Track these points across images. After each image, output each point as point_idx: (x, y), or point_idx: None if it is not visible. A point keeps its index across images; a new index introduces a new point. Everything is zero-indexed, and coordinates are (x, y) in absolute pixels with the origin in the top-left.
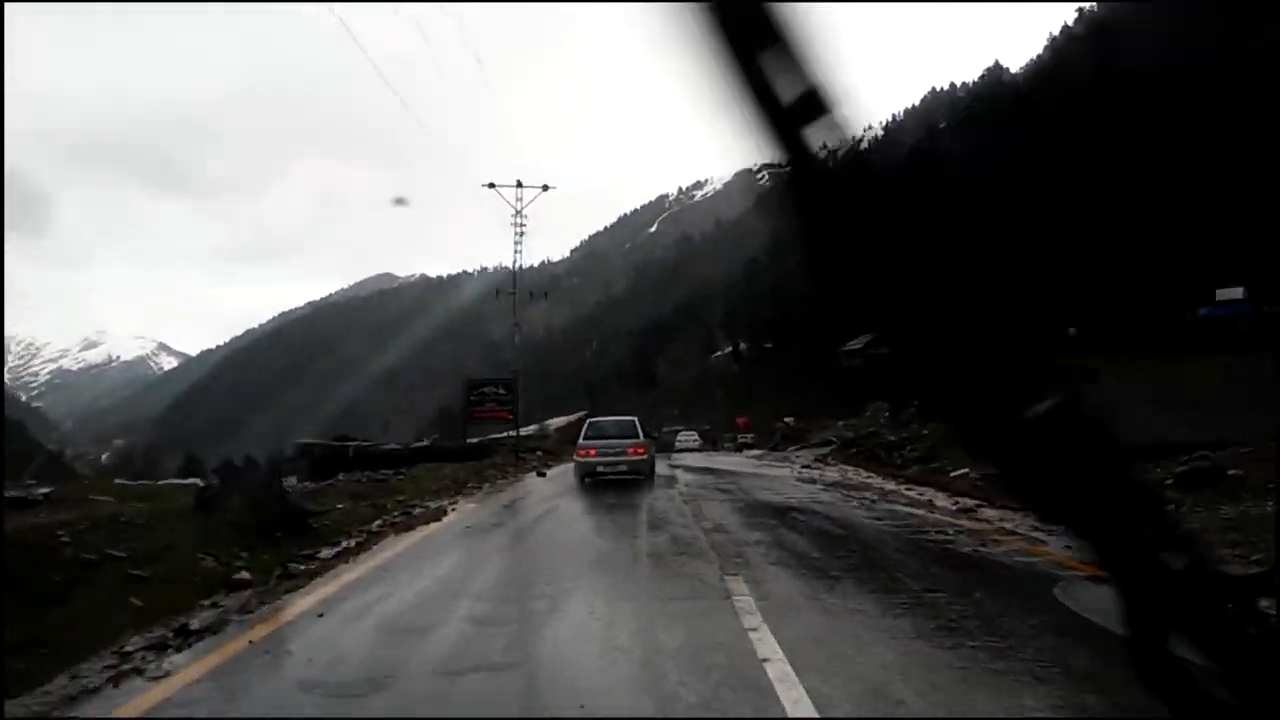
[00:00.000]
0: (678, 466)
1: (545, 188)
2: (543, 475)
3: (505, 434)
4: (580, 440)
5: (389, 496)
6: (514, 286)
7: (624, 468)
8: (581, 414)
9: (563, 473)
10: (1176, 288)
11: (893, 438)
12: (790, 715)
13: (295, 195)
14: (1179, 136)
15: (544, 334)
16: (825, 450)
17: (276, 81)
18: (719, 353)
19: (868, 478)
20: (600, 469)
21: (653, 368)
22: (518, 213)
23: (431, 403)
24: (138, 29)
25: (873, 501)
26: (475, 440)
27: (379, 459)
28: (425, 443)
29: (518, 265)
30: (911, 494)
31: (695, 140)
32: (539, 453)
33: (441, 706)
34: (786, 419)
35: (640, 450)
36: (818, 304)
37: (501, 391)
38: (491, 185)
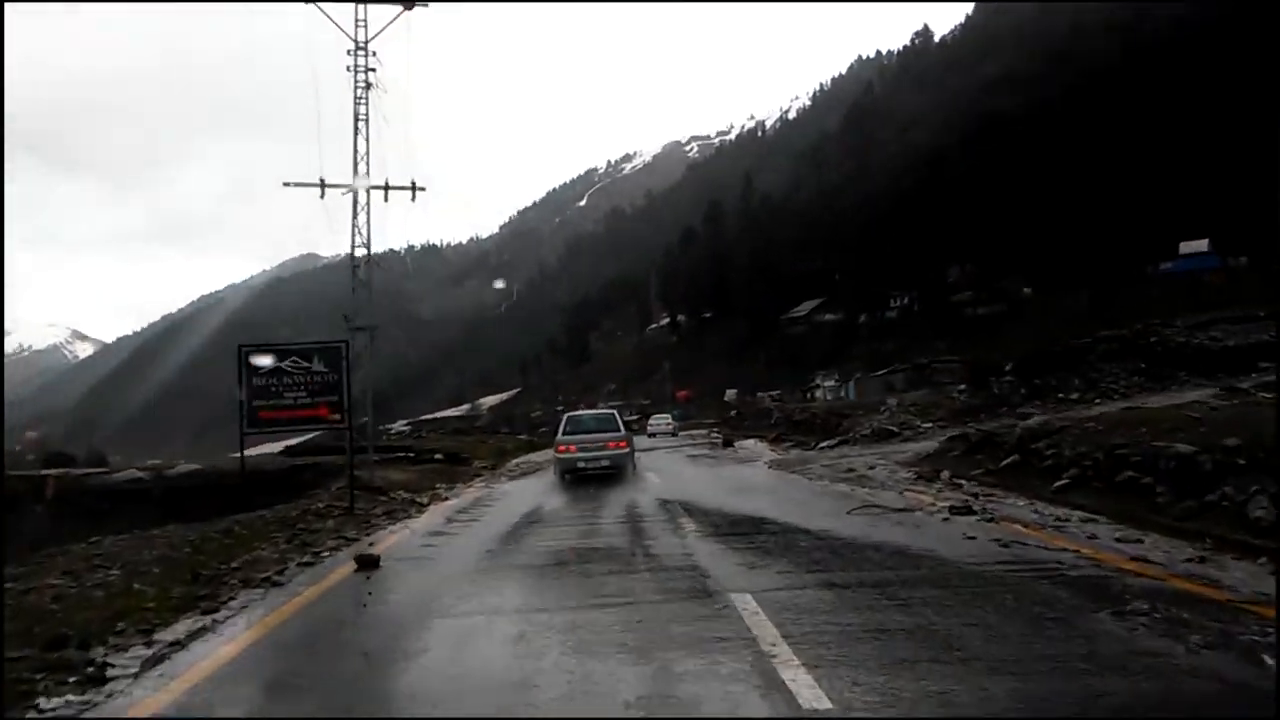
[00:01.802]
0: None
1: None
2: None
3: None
4: (559, 436)
5: None
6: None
7: (605, 462)
8: (516, 390)
9: (492, 516)
10: (1133, 241)
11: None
12: None
13: (211, 176)
14: (1127, 84)
15: (474, 311)
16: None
17: (187, 57)
18: (655, 324)
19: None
20: (581, 464)
21: (586, 342)
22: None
23: (361, 383)
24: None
25: None
26: (295, 455)
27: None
28: (192, 468)
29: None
30: None
31: (623, 112)
32: (431, 485)
33: None
34: (730, 392)
35: (622, 444)
36: (759, 271)
37: (316, 369)
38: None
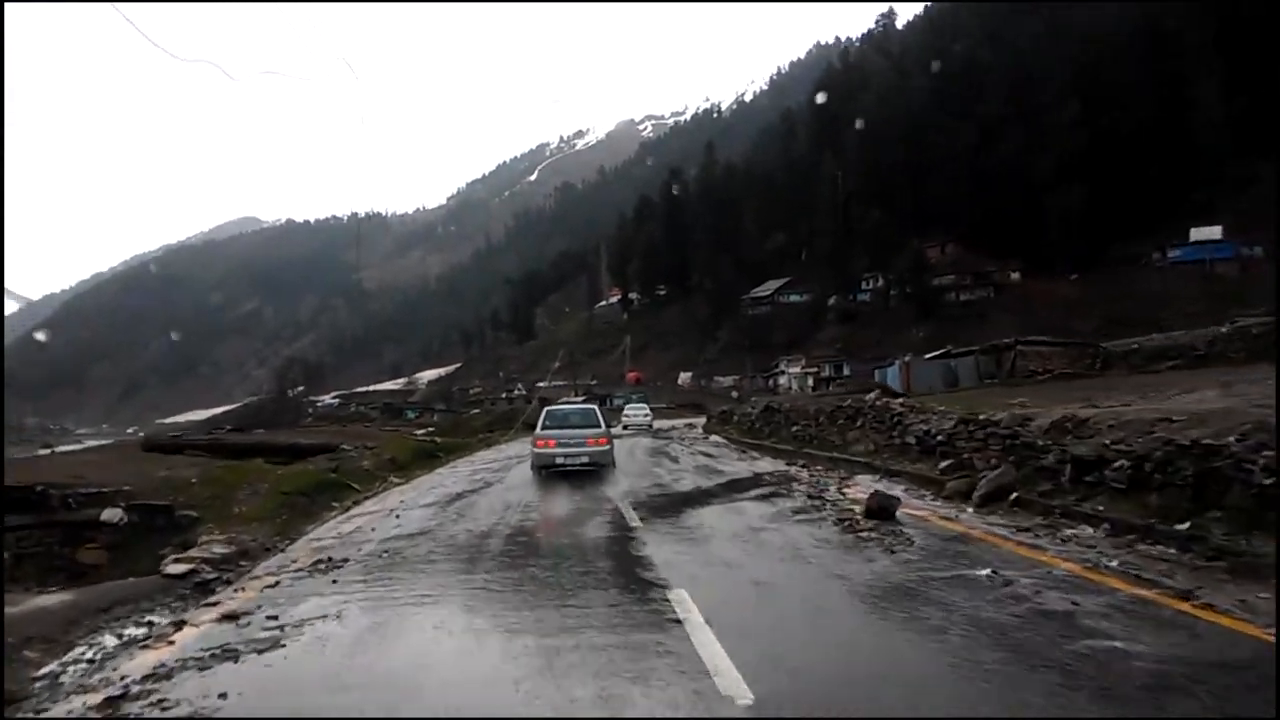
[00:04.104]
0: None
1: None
2: None
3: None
4: (538, 430)
5: None
6: None
7: (585, 459)
8: (456, 365)
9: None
10: (1139, 224)
11: None
12: None
13: (150, 132)
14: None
15: (418, 283)
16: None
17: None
18: (605, 301)
19: None
20: (560, 460)
21: (532, 318)
22: None
23: (297, 352)
24: None
25: None
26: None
27: None
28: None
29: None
30: None
31: (576, 89)
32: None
33: None
34: (684, 375)
35: (602, 441)
36: (720, 247)
37: None
38: None
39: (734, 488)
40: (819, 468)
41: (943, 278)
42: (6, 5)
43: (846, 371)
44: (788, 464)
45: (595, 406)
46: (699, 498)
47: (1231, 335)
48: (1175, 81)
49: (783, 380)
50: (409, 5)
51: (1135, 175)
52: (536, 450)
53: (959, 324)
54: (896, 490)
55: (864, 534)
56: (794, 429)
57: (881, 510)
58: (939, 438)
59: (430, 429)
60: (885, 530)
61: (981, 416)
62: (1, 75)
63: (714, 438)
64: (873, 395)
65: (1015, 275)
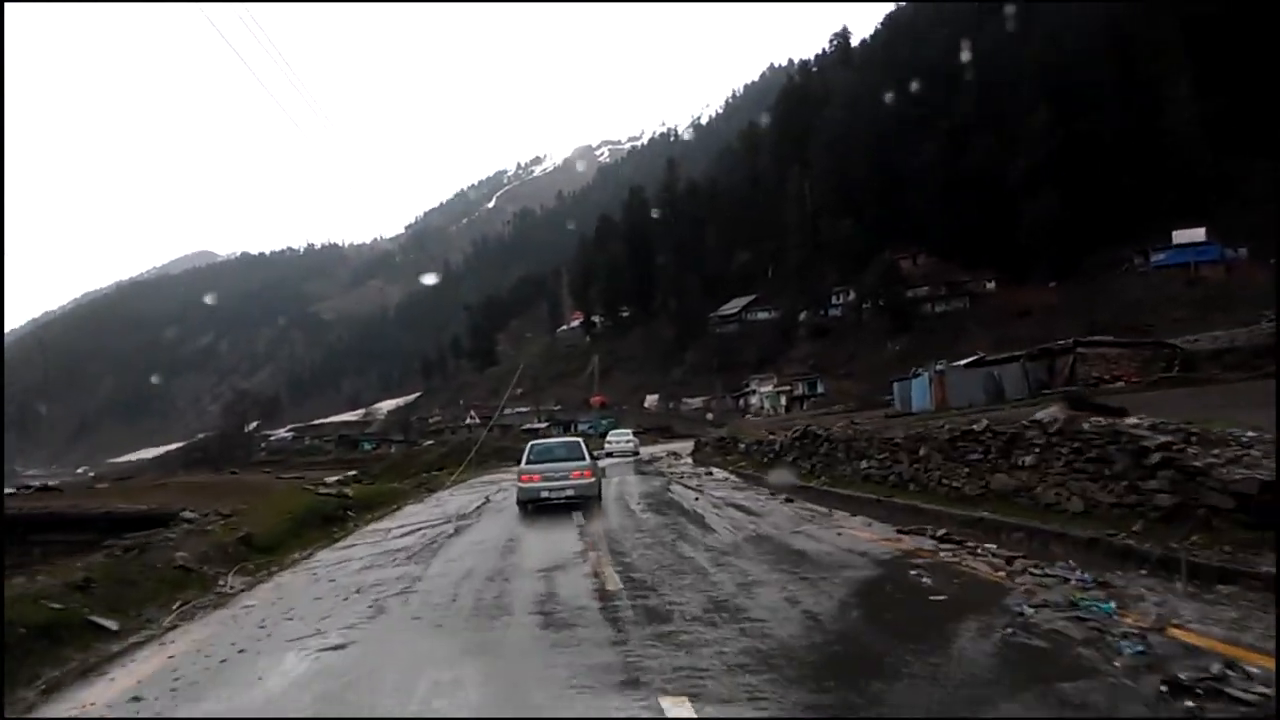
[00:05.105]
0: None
1: None
2: None
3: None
4: (522, 464)
5: None
6: None
7: (570, 492)
8: (416, 394)
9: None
10: (1119, 227)
11: None
12: None
13: (102, 169)
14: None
15: (377, 313)
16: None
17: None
18: (567, 325)
19: None
20: (545, 494)
21: (493, 344)
22: None
23: (254, 386)
24: None
25: None
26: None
27: None
28: None
29: None
30: None
31: (532, 116)
32: None
33: None
34: (651, 398)
35: (587, 474)
36: (685, 265)
37: None
38: None
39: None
40: (1020, 556)
41: (916, 290)
42: (6, 5)
43: (820, 389)
44: (909, 534)
45: (580, 440)
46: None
47: None
48: (1145, 83)
49: (754, 400)
50: (365, 34)
51: (1111, 179)
52: (521, 485)
53: (935, 336)
54: None
55: None
56: (861, 465)
57: None
58: None
59: (353, 473)
60: None
61: None
62: (1, 75)
63: (718, 472)
64: (1050, 412)
65: (990, 285)
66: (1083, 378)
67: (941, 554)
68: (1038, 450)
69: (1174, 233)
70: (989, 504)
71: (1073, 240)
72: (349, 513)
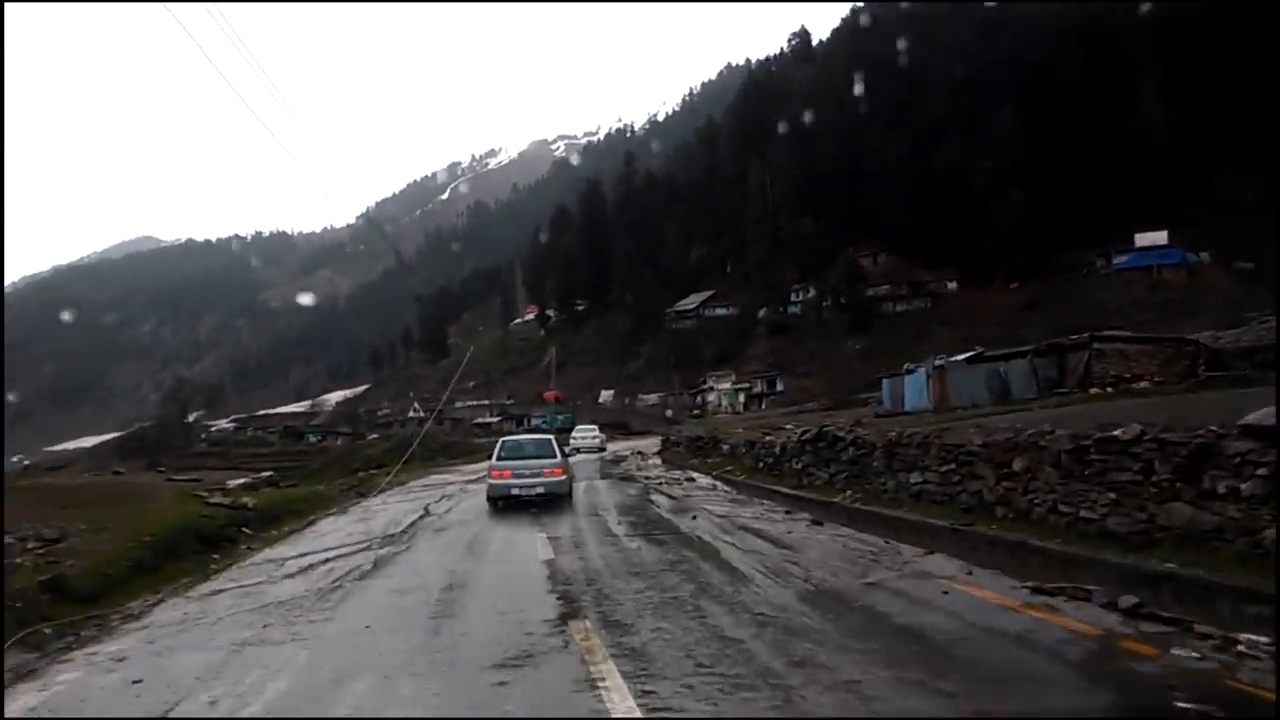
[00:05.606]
0: None
1: None
2: None
3: None
4: (493, 461)
5: None
6: None
7: (541, 490)
8: (365, 386)
9: None
10: (1082, 231)
11: None
12: None
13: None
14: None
15: (326, 303)
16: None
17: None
18: (521, 319)
19: None
20: (515, 491)
21: (444, 336)
22: None
23: (198, 374)
24: None
25: None
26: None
27: None
28: None
29: None
30: None
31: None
32: None
33: None
34: (606, 394)
35: (558, 470)
36: (642, 259)
37: None
38: None
39: None
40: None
41: (877, 288)
42: (6, 5)
43: (779, 387)
44: (1052, 593)
45: (551, 437)
46: None
47: None
48: (1115, 84)
49: (711, 397)
50: (318, 21)
51: (1077, 181)
52: (491, 481)
53: (896, 336)
54: None
55: None
56: (910, 479)
57: None
58: None
59: (268, 474)
60: None
61: None
62: (1, 75)
63: (700, 478)
64: (1265, 413)
65: (952, 285)
66: (1099, 376)
67: (1173, 650)
68: (1256, 472)
69: (1136, 235)
70: (1163, 550)
71: (1037, 241)
72: (244, 530)
